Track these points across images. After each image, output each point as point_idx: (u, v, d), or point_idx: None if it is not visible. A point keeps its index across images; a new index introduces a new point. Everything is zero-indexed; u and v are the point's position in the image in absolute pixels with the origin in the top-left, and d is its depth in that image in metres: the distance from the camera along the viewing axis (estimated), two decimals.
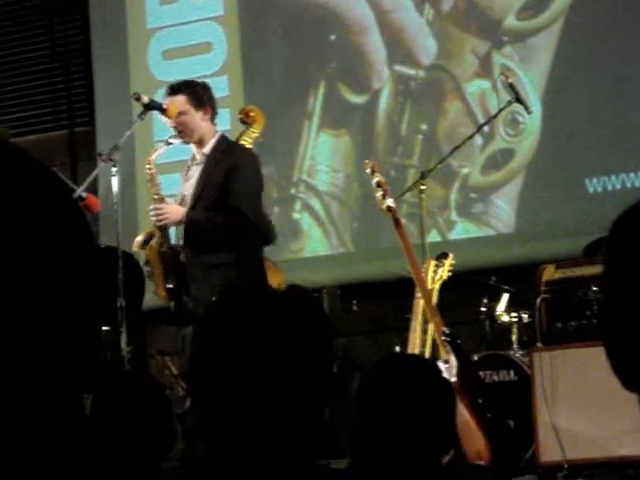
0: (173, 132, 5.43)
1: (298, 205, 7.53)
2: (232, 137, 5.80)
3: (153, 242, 5.42)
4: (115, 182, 5.39)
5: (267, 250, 5.67)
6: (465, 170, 7.11)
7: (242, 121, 5.88)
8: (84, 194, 5.31)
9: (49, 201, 0.94)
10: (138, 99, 5.43)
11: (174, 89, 5.42)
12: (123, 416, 2.93)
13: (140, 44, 7.80)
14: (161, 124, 5.88)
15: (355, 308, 7.03)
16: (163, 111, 5.39)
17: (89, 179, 5.45)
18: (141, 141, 7.17)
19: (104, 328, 5.94)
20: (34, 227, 0.92)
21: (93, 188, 6.35)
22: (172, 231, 5.46)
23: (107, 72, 7.87)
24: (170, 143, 5.44)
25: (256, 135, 5.84)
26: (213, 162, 5.35)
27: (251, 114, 5.89)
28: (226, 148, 5.40)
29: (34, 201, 0.93)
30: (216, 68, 7.58)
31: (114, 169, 5.37)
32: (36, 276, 0.91)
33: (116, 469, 2.91)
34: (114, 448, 2.89)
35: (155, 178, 5.44)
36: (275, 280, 5.71)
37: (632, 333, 1.16)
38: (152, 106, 5.42)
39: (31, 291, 0.90)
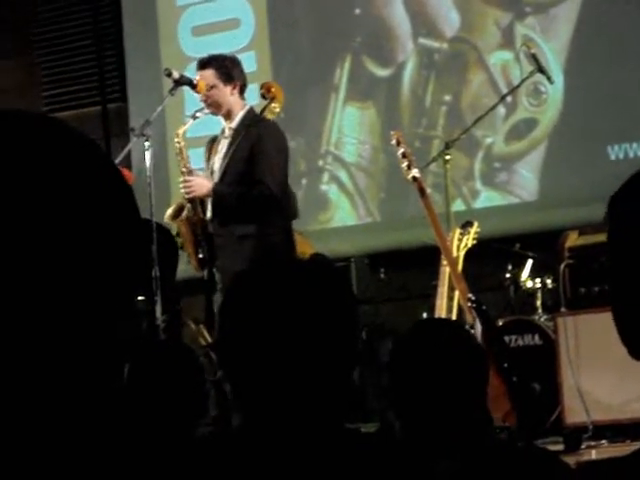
0: (203, 106, 5.51)
1: (326, 177, 7.63)
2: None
3: (183, 214, 5.53)
4: (148, 156, 5.47)
5: (296, 221, 5.77)
6: (489, 140, 7.17)
7: (263, 96, 5.90)
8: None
9: (96, 170, 0.93)
10: (169, 75, 5.50)
11: (203, 64, 5.48)
12: (158, 384, 2.95)
13: (170, 21, 7.89)
14: (192, 99, 5.98)
15: (383, 276, 7.11)
16: (193, 86, 5.46)
17: (122, 154, 5.52)
18: (172, 116, 7.26)
19: (139, 298, 6.08)
20: (81, 197, 0.91)
21: (126, 162, 6.47)
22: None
23: (138, 49, 7.96)
24: (196, 117, 5.52)
25: (277, 110, 5.87)
26: (240, 136, 5.41)
27: (272, 89, 5.91)
28: (252, 122, 5.46)
29: (80, 169, 0.93)
30: (244, 44, 7.65)
31: (146, 144, 5.44)
32: (84, 243, 0.91)
33: (151, 436, 2.96)
34: (150, 415, 2.96)
35: (184, 151, 5.52)
36: (304, 250, 5.79)
37: (634, 302, 1.17)
38: (183, 81, 5.49)
39: (79, 259, 0.90)
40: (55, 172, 0.91)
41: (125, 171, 5.53)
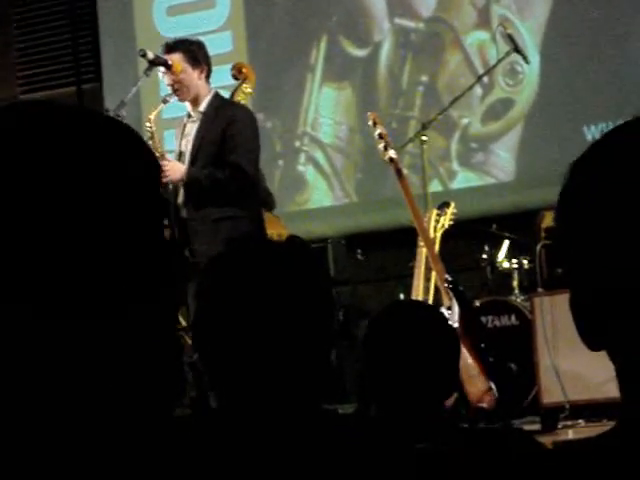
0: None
1: (302, 158, 7.62)
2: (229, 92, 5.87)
3: None
4: None
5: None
6: (465, 120, 7.18)
7: (234, 77, 5.88)
8: None
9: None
10: (144, 55, 5.45)
11: (170, 47, 5.42)
12: (135, 366, 3.01)
13: (145, 0, 7.85)
14: (162, 78, 5.94)
15: (360, 257, 7.12)
16: (168, 67, 5.42)
17: None
18: (147, 97, 7.23)
19: None
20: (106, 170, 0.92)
21: None
22: None
23: (113, 29, 7.91)
24: (167, 101, 5.48)
25: (249, 91, 5.84)
26: (209, 119, 5.38)
27: (243, 70, 5.87)
28: (221, 105, 5.43)
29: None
30: (220, 24, 7.63)
31: None
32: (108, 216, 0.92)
33: (129, 417, 2.98)
34: (127, 397, 2.97)
35: (156, 136, 5.48)
36: (277, 230, 5.78)
37: (588, 284, 1.01)
38: (157, 62, 5.43)
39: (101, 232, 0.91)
40: (85, 160, 0.91)
41: None
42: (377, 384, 2.35)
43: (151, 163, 0.98)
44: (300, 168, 7.60)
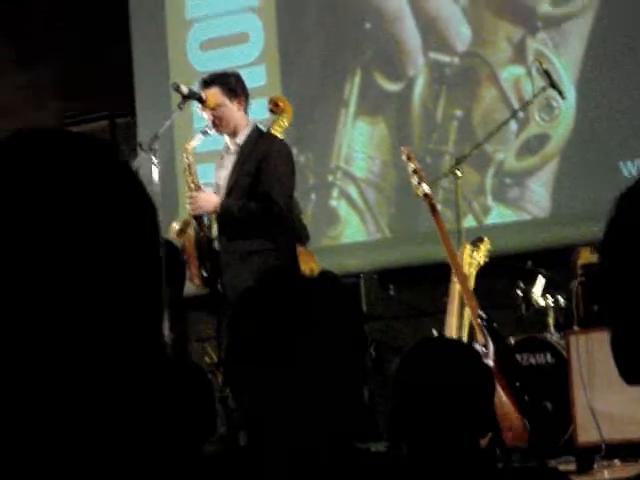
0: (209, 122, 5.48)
1: (335, 192, 7.60)
2: (265, 126, 5.86)
3: (189, 230, 5.50)
4: (155, 171, 5.46)
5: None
6: (500, 155, 7.14)
7: (271, 111, 5.89)
8: None
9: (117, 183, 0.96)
10: (177, 89, 5.48)
11: (207, 82, 5.45)
12: (166, 401, 2.98)
13: (179, 35, 7.88)
14: (200, 114, 5.95)
15: (392, 293, 7.08)
16: (202, 101, 5.44)
17: None
18: (180, 131, 7.25)
19: None
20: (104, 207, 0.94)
21: None
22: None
23: (147, 63, 7.95)
24: (206, 133, 5.50)
25: (285, 124, 5.85)
26: (246, 151, 5.40)
27: (280, 104, 5.89)
28: (258, 138, 5.45)
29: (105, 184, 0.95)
30: (253, 58, 7.64)
31: (154, 158, 5.43)
32: (104, 253, 0.93)
33: (160, 453, 2.95)
34: (158, 432, 2.94)
35: (192, 167, 5.51)
36: (309, 265, 5.76)
37: (627, 324, 1.03)
38: (191, 96, 5.47)
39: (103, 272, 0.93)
40: (77, 187, 0.93)
41: None
42: (409, 422, 2.32)
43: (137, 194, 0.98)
44: (333, 202, 7.58)
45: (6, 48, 8.39)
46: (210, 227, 5.49)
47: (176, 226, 5.59)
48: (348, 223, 7.56)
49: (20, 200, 0.91)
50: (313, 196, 7.54)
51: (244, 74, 5.71)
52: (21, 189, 0.92)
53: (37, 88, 8.36)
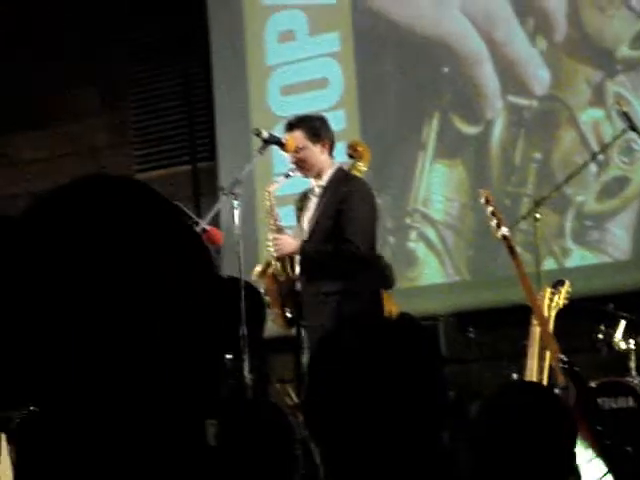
0: (292, 166, 5.54)
1: (413, 234, 7.60)
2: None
3: (270, 272, 5.55)
4: (236, 215, 5.51)
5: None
6: (580, 198, 7.10)
7: (350, 155, 5.93)
8: (207, 227, 5.44)
9: (175, 234, 0.99)
10: (258, 134, 5.55)
11: (292, 125, 5.51)
12: (248, 443, 3.01)
13: (260, 81, 7.98)
14: (280, 158, 6.02)
15: (472, 335, 7.04)
16: (282, 145, 5.50)
17: (212, 212, 5.55)
18: (261, 175, 7.32)
19: (227, 356, 6.09)
20: (161, 258, 0.97)
21: (215, 221, 6.52)
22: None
23: (228, 108, 8.05)
24: (289, 175, 5.55)
25: (364, 169, 5.89)
26: (328, 193, 5.44)
27: (358, 148, 5.93)
28: (341, 179, 5.49)
29: (162, 233, 0.98)
30: (333, 102, 7.70)
31: (235, 202, 5.48)
32: (162, 302, 0.96)
33: None
34: (239, 474, 2.96)
35: (274, 209, 5.56)
36: (387, 308, 5.76)
37: None
38: (271, 141, 5.52)
39: (159, 318, 0.95)
40: (138, 235, 0.96)
41: (214, 230, 5.57)
42: (490, 467, 2.31)
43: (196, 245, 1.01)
44: (411, 245, 7.59)
45: (92, 89, 8.55)
46: (292, 268, 5.53)
47: (258, 268, 5.65)
48: (426, 265, 7.55)
49: (80, 245, 0.94)
50: (391, 239, 7.56)
51: None
52: (86, 232, 0.95)
53: (121, 131, 8.50)
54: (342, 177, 5.51)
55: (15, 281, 0.94)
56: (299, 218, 5.63)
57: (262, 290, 5.78)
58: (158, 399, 0.92)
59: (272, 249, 5.50)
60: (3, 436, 3.95)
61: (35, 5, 8.65)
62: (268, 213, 5.58)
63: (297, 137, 5.44)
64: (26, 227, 0.97)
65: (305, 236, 5.46)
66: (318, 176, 5.49)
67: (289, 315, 5.50)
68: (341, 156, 6.03)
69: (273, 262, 5.56)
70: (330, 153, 5.51)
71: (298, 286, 5.47)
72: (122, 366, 0.93)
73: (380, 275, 5.63)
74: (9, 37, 8.72)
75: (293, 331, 5.52)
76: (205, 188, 8.03)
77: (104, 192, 0.99)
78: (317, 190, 5.51)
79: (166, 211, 1.00)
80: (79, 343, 0.93)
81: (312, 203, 5.52)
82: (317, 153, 5.45)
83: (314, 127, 5.47)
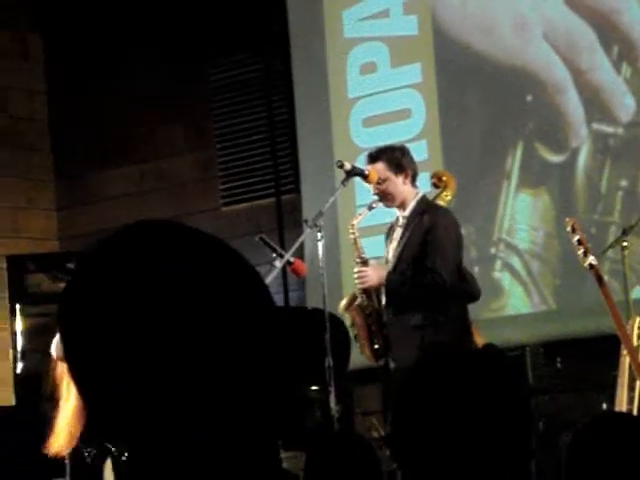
0: (375, 197, 5.56)
1: (498, 264, 7.56)
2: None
3: (357, 304, 5.56)
4: (320, 247, 5.54)
5: (469, 309, 5.71)
6: None
7: (435, 185, 5.94)
8: (292, 259, 5.47)
9: (223, 270, 1.03)
10: (341, 166, 5.58)
11: (373, 157, 5.54)
12: (336, 475, 3.00)
13: (342, 113, 8.03)
14: (363, 189, 6.04)
15: (559, 366, 6.96)
16: (365, 177, 5.52)
17: (296, 244, 5.59)
18: (344, 207, 7.35)
19: (313, 388, 6.11)
20: (214, 296, 1.01)
21: (300, 253, 6.56)
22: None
23: (311, 141, 8.11)
24: (372, 207, 5.57)
25: (449, 199, 5.89)
26: (413, 223, 5.44)
27: (443, 178, 5.94)
28: (425, 209, 5.49)
29: (212, 271, 1.02)
30: (415, 133, 7.71)
31: (319, 234, 5.51)
32: (230, 340, 0.99)
33: None
34: None
35: (358, 241, 5.58)
36: (476, 341, 5.73)
37: None
38: (354, 172, 5.55)
39: (229, 354, 0.98)
40: (190, 277, 0.99)
41: (298, 262, 5.60)
42: None
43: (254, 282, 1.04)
44: (496, 274, 7.54)
45: (178, 126, 8.68)
46: (379, 300, 5.54)
47: (344, 301, 5.67)
48: (512, 295, 7.50)
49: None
50: (476, 269, 7.51)
51: None
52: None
53: (207, 166, 8.60)
54: (425, 207, 5.51)
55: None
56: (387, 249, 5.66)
57: (348, 323, 5.79)
58: (235, 432, 0.96)
59: (357, 282, 5.52)
60: (108, 463, 4.06)
61: (124, 42, 8.82)
62: (353, 245, 5.61)
63: (379, 169, 5.47)
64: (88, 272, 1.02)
65: (390, 266, 5.46)
66: (402, 206, 5.50)
67: (377, 347, 5.50)
68: (426, 186, 6.03)
69: (359, 295, 5.57)
70: (413, 183, 5.52)
71: (385, 318, 5.47)
72: (197, 404, 0.96)
73: (465, 290, 5.61)
74: (100, 73, 8.90)
75: (381, 362, 5.51)
76: (289, 220, 8.08)
77: (151, 236, 1.04)
78: (401, 220, 5.52)
79: (212, 247, 1.03)
80: (163, 384, 0.96)
81: (396, 234, 5.54)
82: (399, 184, 5.47)
83: (396, 158, 5.49)
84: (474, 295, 5.75)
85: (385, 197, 5.48)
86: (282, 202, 8.23)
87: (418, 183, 5.67)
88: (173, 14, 8.61)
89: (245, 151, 8.43)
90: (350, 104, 8.02)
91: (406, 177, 5.48)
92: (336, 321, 5.83)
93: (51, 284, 7.87)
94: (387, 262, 5.55)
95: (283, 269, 5.74)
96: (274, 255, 5.43)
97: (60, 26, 9.11)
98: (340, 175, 5.75)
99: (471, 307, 6.05)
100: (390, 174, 5.46)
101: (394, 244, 5.53)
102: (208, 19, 8.48)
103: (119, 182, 8.85)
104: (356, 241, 5.58)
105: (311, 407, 6.29)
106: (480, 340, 5.80)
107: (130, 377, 0.96)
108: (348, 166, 5.55)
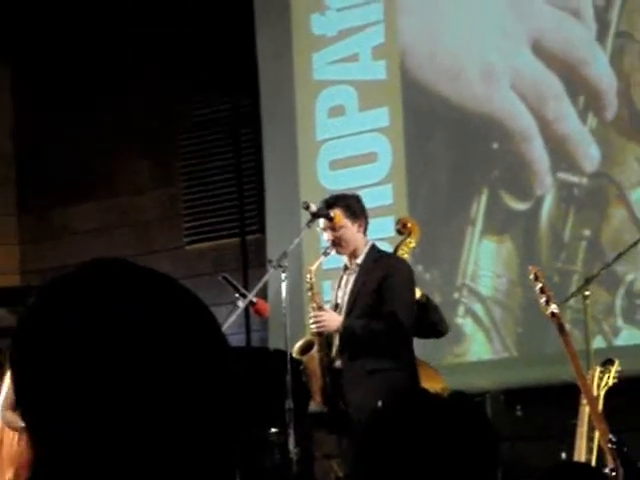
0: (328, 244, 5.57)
1: (461, 310, 7.57)
2: (392, 245, 5.92)
3: (313, 351, 5.54)
4: (284, 287, 5.53)
5: (430, 354, 5.72)
6: (630, 276, 7.03)
7: (399, 232, 5.95)
8: (255, 299, 5.47)
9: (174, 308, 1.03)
10: (307, 208, 5.59)
11: (329, 204, 5.56)
12: None
13: (309, 155, 8.05)
14: (321, 234, 6.04)
15: (519, 413, 6.97)
16: (330, 219, 5.53)
17: (259, 284, 5.60)
18: (309, 248, 7.34)
19: (272, 430, 6.07)
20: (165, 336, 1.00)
21: (263, 293, 6.55)
22: None
23: (277, 182, 8.12)
24: (328, 253, 5.59)
25: (413, 245, 5.90)
26: (367, 271, 5.46)
27: (408, 225, 5.94)
28: (378, 257, 5.52)
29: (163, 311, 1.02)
30: (381, 177, 7.74)
31: (283, 275, 5.51)
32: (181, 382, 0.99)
33: None
34: None
35: (315, 287, 5.58)
36: (436, 385, 5.73)
37: None
38: (320, 214, 5.56)
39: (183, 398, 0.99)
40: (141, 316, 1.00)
41: (261, 302, 5.59)
42: None
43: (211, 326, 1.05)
44: (459, 320, 7.55)
45: (144, 163, 8.66)
46: (331, 346, 5.52)
47: (298, 344, 5.65)
48: (474, 341, 7.51)
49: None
50: None
51: (371, 193, 5.80)
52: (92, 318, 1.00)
53: (172, 204, 8.58)
54: (378, 255, 5.54)
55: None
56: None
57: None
58: (182, 474, 0.96)
59: (313, 326, 5.51)
60: None
61: (91, 76, 8.80)
62: (309, 291, 5.60)
63: (335, 215, 5.48)
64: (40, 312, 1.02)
65: (342, 313, 5.47)
66: (353, 254, 5.51)
67: (328, 392, 5.48)
68: (389, 231, 6.04)
69: (315, 339, 5.56)
70: (364, 232, 5.54)
71: (338, 363, 5.47)
72: (145, 449, 0.97)
73: (432, 323, 5.62)
74: (67, 107, 8.87)
75: (329, 408, 5.49)
76: (254, 260, 8.07)
77: (106, 275, 1.04)
78: (351, 267, 5.53)
79: (165, 288, 1.04)
80: (109, 431, 0.97)
81: (347, 281, 5.54)
82: (354, 232, 5.48)
83: (352, 206, 5.52)
84: (442, 331, 5.76)
85: (339, 244, 5.49)
86: (247, 242, 8.23)
87: (383, 227, 5.68)
88: (143, 50, 8.62)
89: (211, 190, 8.43)
90: (318, 146, 8.04)
91: (360, 226, 5.51)
92: (298, 363, 5.80)
93: (11, 318, 7.80)
94: (336, 308, 5.55)
95: (246, 309, 5.73)
96: (237, 295, 5.42)
97: (27, 59, 9.09)
98: (306, 216, 5.75)
99: (432, 352, 6.06)
100: (347, 221, 5.48)
101: (345, 290, 5.53)
102: (178, 57, 8.49)
103: (83, 217, 8.81)
104: (312, 286, 5.58)
105: (270, 449, 6.25)
106: (441, 385, 5.79)
107: (77, 421, 0.96)
108: (314, 208, 5.57)
